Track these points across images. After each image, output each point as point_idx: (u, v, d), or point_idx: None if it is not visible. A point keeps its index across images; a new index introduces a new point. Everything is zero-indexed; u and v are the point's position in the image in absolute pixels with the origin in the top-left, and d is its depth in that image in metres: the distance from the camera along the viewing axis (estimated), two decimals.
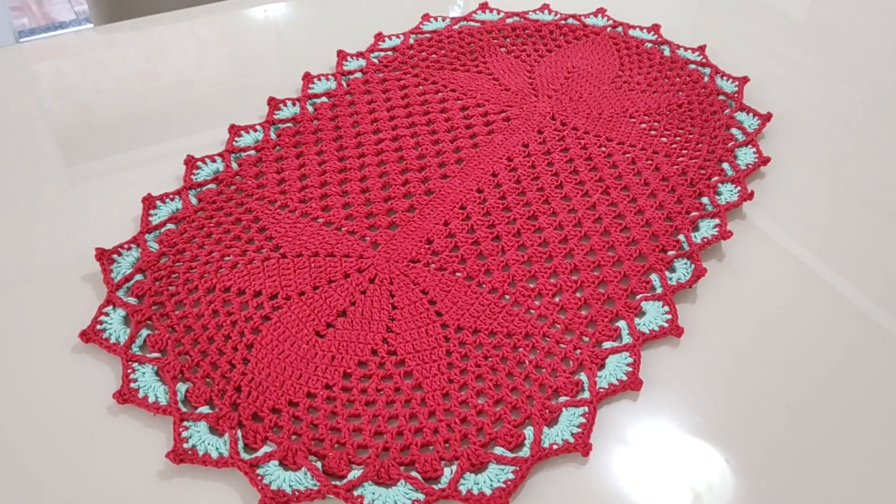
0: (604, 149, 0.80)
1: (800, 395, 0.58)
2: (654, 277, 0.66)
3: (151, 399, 0.54)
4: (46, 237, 0.69)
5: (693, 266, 0.66)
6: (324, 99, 0.85)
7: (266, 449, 0.52)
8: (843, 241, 0.72)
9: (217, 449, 0.51)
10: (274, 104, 0.83)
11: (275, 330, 0.59)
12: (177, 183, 0.73)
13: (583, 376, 0.58)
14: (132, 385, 0.55)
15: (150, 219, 0.68)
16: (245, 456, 0.51)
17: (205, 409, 0.54)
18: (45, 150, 0.80)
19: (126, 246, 0.65)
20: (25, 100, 0.87)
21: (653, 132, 0.83)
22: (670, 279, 0.65)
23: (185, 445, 0.51)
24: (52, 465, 0.51)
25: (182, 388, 0.55)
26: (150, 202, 0.69)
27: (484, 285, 0.64)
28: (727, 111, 0.87)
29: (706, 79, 0.93)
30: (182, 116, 0.86)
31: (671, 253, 0.68)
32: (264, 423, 0.53)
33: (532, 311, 0.62)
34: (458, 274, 0.65)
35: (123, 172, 0.76)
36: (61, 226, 0.70)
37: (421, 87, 0.88)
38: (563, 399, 0.56)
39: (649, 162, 0.79)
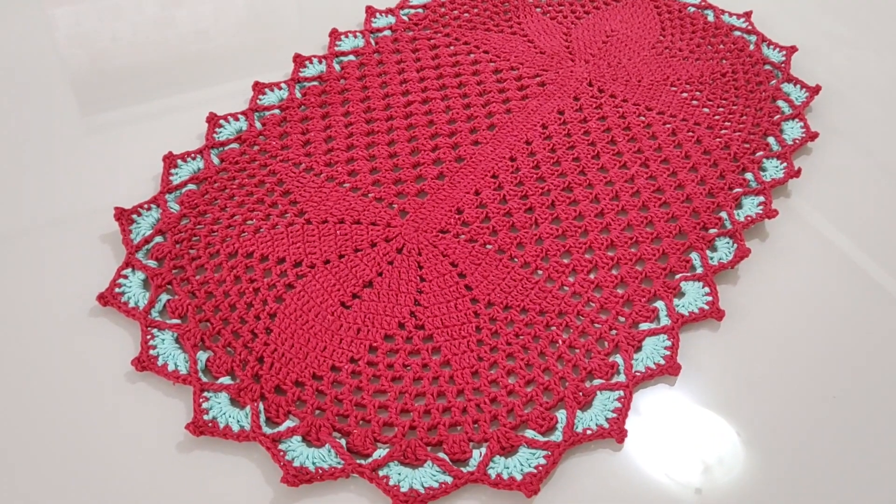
0: (643, 118, 0.77)
1: (843, 387, 0.55)
2: (694, 256, 0.63)
3: (171, 367, 0.52)
4: (62, 189, 0.66)
5: (735, 246, 0.63)
6: (351, 57, 0.82)
7: (289, 423, 0.50)
8: (894, 226, 0.69)
9: (238, 422, 0.50)
10: (299, 61, 0.79)
11: (299, 299, 0.57)
12: (197, 140, 0.71)
13: (618, 358, 0.55)
14: (151, 352, 0.53)
15: (171, 178, 0.66)
16: (267, 430, 0.49)
17: (226, 380, 0.52)
18: (61, 98, 0.77)
19: (146, 206, 0.63)
20: (42, 45, 0.84)
21: (695, 102, 0.80)
22: (711, 259, 0.62)
23: (206, 417, 0.50)
24: (67, 434, 0.50)
25: (203, 356, 0.53)
26: (170, 161, 0.67)
27: (516, 259, 0.61)
28: (773, 82, 0.83)
29: (752, 47, 0.88)
30: (201, 67, 0.83)
31: (713, 231, 0.65)
32: (287, 396, 0.52)
33: (566, 287, 0.60)
34: (488, 246, 0.62)
35: (141, 124, 0.74)
36: (77, 178, 0.68)
37: (452, 48, 0.85)
38: (597, 382, 0.54)
39: (691, 134, 0.75)
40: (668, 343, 0.56)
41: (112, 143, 0.72)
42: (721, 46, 0.88)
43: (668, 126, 0.76)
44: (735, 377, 0.55)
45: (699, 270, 0.61)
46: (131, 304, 0.56)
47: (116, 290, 0.57)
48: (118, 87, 0.79)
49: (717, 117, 0.78)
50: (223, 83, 0.80)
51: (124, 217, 0.62)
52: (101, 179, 0.68)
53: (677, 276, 0.61)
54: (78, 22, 0.89)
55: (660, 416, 0.53)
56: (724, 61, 0.86)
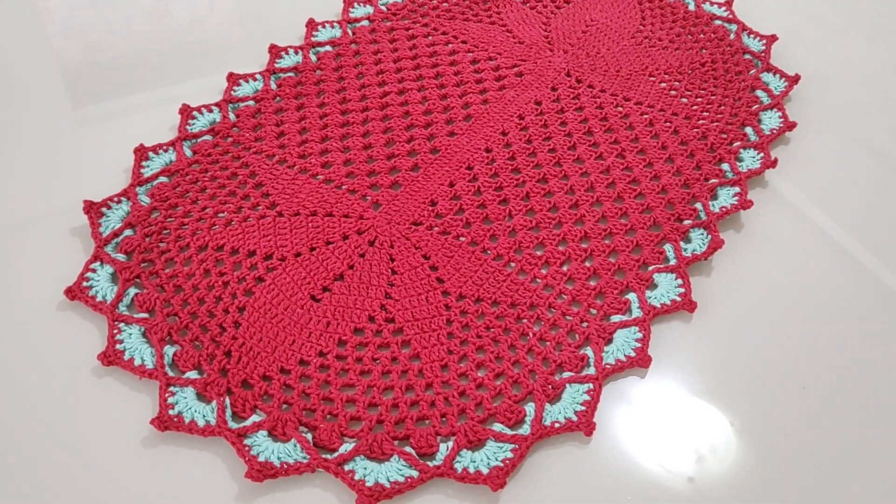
0: (620, 109, 0.76)
1: (817, 378, 0.55)
2: (668, 248, 0.62)
3: (137, 362, 0.52)
4: (33, 183, 0.66)
5: (710, 237, 0.63)
6: (328, 48, 0.81)
7: (255, 418, 0.50)
8: (872, 213, 0.69)
9: (204, 416, 0.49)
10: (275, 52, 0.79)
11: (268, 292, 0.57)
12: (171, 133, 0.70)
13: (589, 351, 0.55)
14: (118, 346, 0.53)
15: (142, 171, 0.65)
16: (233, 425, 0.49)
17: (193, 374, 0.52)
18: (47, 91, 0.76)
19: (116, 199, 0.62)
20: (33, 38, 0.83)
21: (673, 92, 0.79)
22: (685, 250, 0.62)
23: (171, 412, 0.49)
24: (30, 429, 0.49)
25: (170, 351, 0.53)
26: (142, 153, 0.66)
27: (489, 251, 0.61)
28: (753, 71, 0.83)
29: (732, 36, 0.88)
30: (175, 60, 0.82)
31: (687, 222, 0.65)
32: (254, 390, 0.51)
33: (538, 280, 0.59)
34: (461, 238, 0.62)
35: (113, 118, 0.73)
36: (48, 171, 0.67)
37: (430, 38, 0.84)
38: (567, 375, 0.53)
39: (668, 124, 0.74)
40: (640, 335, 0.56)
41: (83, 136, 0.71)
42: (701, 36, 0.88)
43: (645, 116, 0.75)
44: (706, 369, 0.55)
45: (672, 262, 0.61)
46: (99, 299, 0.56)
47: (84, 283, 0.56)
48: (87, 82, 0.78)
49: (695, 107, 0.77)
50: (197, 75, 0.79)
51: (93, 210, 0.61)
52: (72, 173, 0.67)
53: (650, 268, 0.61)
54: (73, 14, 0.88)
55: (629, 409, 0.53)
56: (703, 51, 0.85)
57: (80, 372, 0.52)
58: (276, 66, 0.77)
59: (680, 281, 0.60)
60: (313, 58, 0.79)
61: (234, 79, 0.75)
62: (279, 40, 0.80)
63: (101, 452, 0.48)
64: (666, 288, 0.59)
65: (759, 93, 0.80)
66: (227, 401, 0.50)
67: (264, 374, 0.52)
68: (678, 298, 0.58)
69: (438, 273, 0.59)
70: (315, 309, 0.56)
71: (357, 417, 0.50)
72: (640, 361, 0.54)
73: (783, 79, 0.81)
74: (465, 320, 0.56)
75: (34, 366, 0.53)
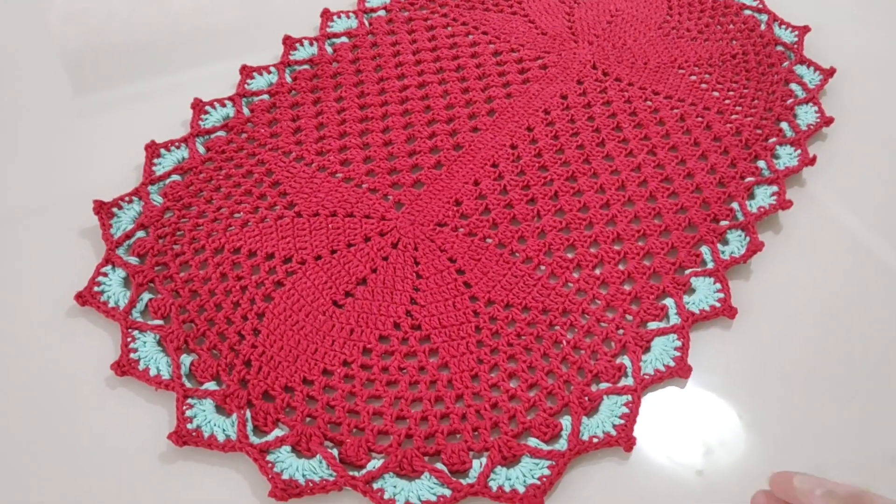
0: (649, 103, 0.73)
1: (865, 386, 0.52)
2: (704, 250, 0.60)
3: (153, 372, 0.50)
4: (41, 180, 0.63)
5: (748, 239, 0.60)
6: (344, 39, 0.78)
7: (277, 432, 0.47)
8: None
9: (224, 431, 0.47)
10: (290, 43, 0.76)
11: (288, 298, 0.54)
12: (183, 128, 0.67)
13: (626, 360, 0.52)
14: (132, 355, 0.50)
15: (154, 168, 0.63)
16: (254, 440, 0.46)
17: (211, 385, 0.49)
18: (48, 79, 0.73)
19: (127, 198, 0.60)
20: (30, 22, 0.80)
21: (704, 85, 0.76)
22: (723, 253, 0.59)
23: (189, 426, 0.47)
24: (41, 444, 0.47)
25: (186, 360, 0.50)
26: (153, 150, 0.63)
27: (517, 254, 0.58)
28: (786, 64, 0.79)
29: (763, 27, 0.85)
30: (186, 49, 0.79)
31: (724, 223, 0.62)
32: (276, 402, 0.49)
33: (570, 284, 0.57)
34: (488, 240, 0.59)
35: (123, 110, 0.70)
36: (56, 167, 0.64)
37: (450, 29, 0.81)
38: (604, 385, 0.51)
39: (700, 119, 0.71)
40: (678, 343, 0.53)
41: (95, 131, 0.68)
42: (731, 26, 0.85)
43: (675, 111, 0.72)
44: (749, 379, 0.53)
45: (710, 265, 0.58)
46: (111, 304, 0.53)
47: (95, 288, 0.54)
48: (97, 70, 0.75)
49: (727, 101, 0.74)
50: (205, 63, 0.76)
51: (104, 210, 0.58)
52: (81, 168, 0.64)
53: (687, 272, 0.58)
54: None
55: (670, 423, 0.50)
56: (734, 42, 0.82)
57: (92, 382, 0.50)
58: (291, 58, 0.74)
59: (719, 285, 0.57)
60: (329, 49, 0.76)
61: (247, 71, 0.72)
62: (290, 28, 0.77)
63: (115, 469, 0.46)
64: (704, 293, 0.56)
65: (793, 86, 0.77)
66: (248, 414, 0.48)
67: (286, 385, 0.50)
68: (717, 304, 0.56)
69: (465, 277, 0.56)
70: (338, 315, 0.53)
71: (385, 431, 0.48)
72: (679, 371, 0.51)
73: (817, 72, 0.78)
74: (495, 327, 0.54)
75: (44, 376, 0.50)
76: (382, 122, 0.69)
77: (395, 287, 0.55)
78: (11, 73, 0.73)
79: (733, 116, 0.72)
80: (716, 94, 0.75)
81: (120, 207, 0.59)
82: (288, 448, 0.46)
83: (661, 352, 0.53)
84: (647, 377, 0.51)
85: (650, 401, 0.51)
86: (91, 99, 0.72)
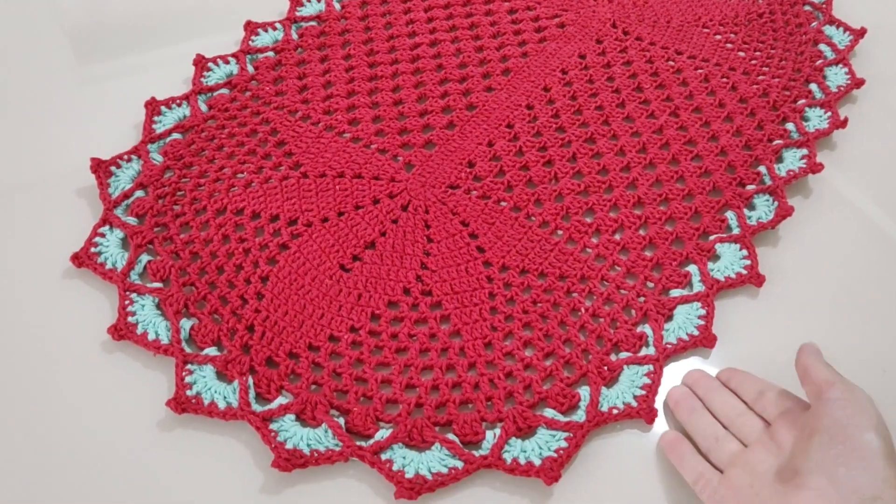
0: (672, 63, 0.70)
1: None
2: (730, 215, 0.57)
3: (151, 336, 0.47)
4: (38, 142, 0.60)
5: (776, 203, 0.57)
6: None
7: (281, 400, 0.45)
8: None
9: (225, 398, 0.45)
10: None
11: (293, 261, 0.52)
12: (185, 86, 0.64)
13: (647, 329, 0.50)
14: (130, 319, 0.48)
15: (154, 126, 0.60)
16: (257, 407, 0.44)
17: (212, 351, 0.47)
18: (49, 46, 0.70)
19: (126, 157, 0.57)
20: None
21: (729, 45, 0.72)
22: (749, 218, 0.56)
23: (189, 392, 0.45)
24: (36, 409, 0.45)
25: (186, 324, 0.48)
26: (153, 107, 0.61)
27: (533, 218, 0.56)
28: (814, 24, 0.76)
29: None
30: (190, 11, 0.76)
31: (751, 187, 0.59)
32: (280, 369, 0.46)
33: (589, 249, 0.54)
34: (503, 203, 0.56)
35: (123, 71, 0.67)
36: (53, 128, 0.61)
37: None
38: (624, 355, 0.48)
39: (725, 80, 0.68)
40: (702, 312, 0.50)
41: (95, 92, 0.66)
42: None
43: (699, 71, 0.69)
44: (776, 350, 0.50)
45: (736, 231, 0.55)
46: (108, 266, 0.51)
47: (92, 249, 0.52)
48: (91, 35, 0.72)
49: (753, 62, 0.71)
50: (211, 26, 0.73)
51: (101, 169, 0.56)
52: (77, 130, 0.62)
53: (711, 238, 0.55)
54: None
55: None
56: (760, 0, 0.78)
57: (88, 347, 0.48)
58: (298, 14, 0.71)
59: (745, 252, 0.54)
60: (337, 5, 0.73)
61: (251, 27, 0.69)
62: None
63: (111, 437, 0.44)
64: (730, 259, 0.54)
65: (822, 47, 0.73)
66: (251, 380, 0.46)
67: (290, 352, 0.47)
68: (744, 271, 0.53)
69: (479, 241, 0.54)
70: (345, 280, 0.51)
71: (393, 400, 0.46)
72: (704, 341, 0.49)
73: (847, 32, 0.75)
74: (510, 294, 0.51)
75: (39, 340, 0.48)
76: (392, 81, 0.65)
77: (405, 251, 0.53)
78: (11, 39, 0.70)
79: (760, 77, 0.69)
80: (741, 54, 0.72)
81: (118, 166, 0.57)
82: (292, 416, 0.44)
83: (684, 320, 0.50)
84: (669, 347, 0.49)
85: (673, 371, 0.48)
86: (92, 64, 0.69)
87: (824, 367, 0.41)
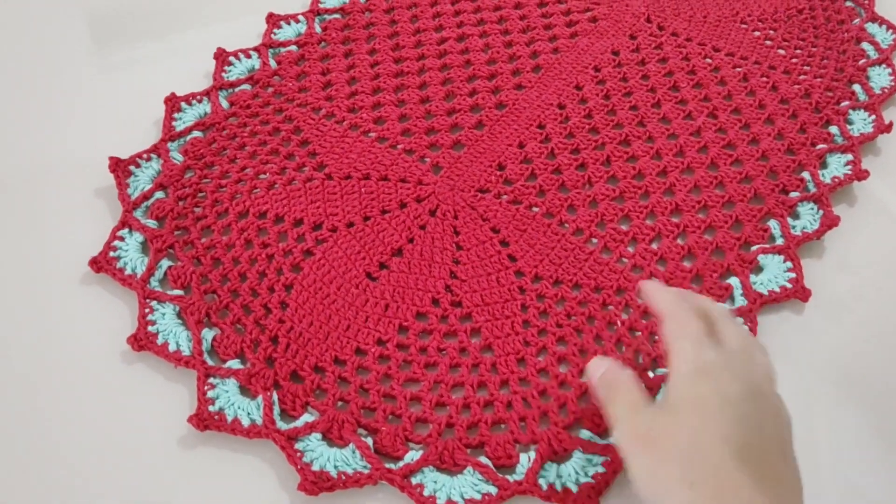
0: (710, 60, 0.67)
1: None
2: (773, 224, 0.54)
3: (172, 347, 0.46)
4: (52, 138, 0.58)
5: (821, 212, 0.55)
6: None
7: (307, 417, 0.43)
8: None
9: (248, 414, 0.43)
10: None
11: (318, 268, 0.50)
12: (206, 81, 0.62)
13: None
14: (150, 328, 0.46)
15: (174, 124, 0.58)
16: (282, 425, 0.43)
17: (235, 364, 0.45)
18: (65, 34, 0.68)
19: (145, 156, 0.55)
20: None
21: (768, 42, 0.70)
22: (793, 228, 0.54)
23: (211, 408, 0.43)
24: (52, 424, 0.43)
25: (208, 335, 0.46)
26: (173, 104, 0.59)
27: (567, 225, 0.53)
28: (856, 21, 0.73)
29: None
30: (215, 4, 0.73)
31: (794, 194, 0.56)
32: (305, 384, 0.45)
33: (625, 259, 0.52)
34: (535, 209, 0.54)
35: (141, 64, 0.65)
36: (69, 126, 0.60)
37: None
38: (662, 372, 0.46)
39: (765, 79, 0.65)
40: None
41: (105, 84, 0.64)
42: None
43: (738, 70, 0.66)
44: (824, 371, 0.48)
45: (779, 241, 0.53)
46: (128, 271, 0.49)
47: (111, 254, 0.50)
48: (108, 23, 0.70)
49: (794, 60, 0.68)
50: (231, 16, 0.71)
51: (121, 168, 0.54)
52: (94, 126, 0.60)
53: (754, 248, 0.53)
54: None
55: None
56: None
57: (108, 357, 0.46)
58: (321, 6, 0.69)
59: (789, 264, 0.52)
60: None
61: (274, 20, 0.67)
62: None
63: (130, 454, 0.42)
64: (773, 272, 0.51)
65: (865, 45, 0.70)
66: (275, 396, 0.44)
67: (316, 365, 0.46)
68: (788, 285, 0.51)
69: (510, 249, 0.52)
70: (371, 289, 0.49)
71: (423, 419, 0.44)
72: None
73: (890, 30, 0.71)
74: (543, 306, 0.49)
75: (56, 350, 0.46)
76: (419, 78, 0.63)
77: (434, 259, 0.51)
78: (28, 27, 0.68)
79: (801, 77, 0.66)
80: (781, 52, 0.69)
81: (138, 166, 0.55)
82: (318, 435, 0.42)
83: None
84: None
85: None
86: (109, 54, 0.67)
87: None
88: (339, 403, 0.44)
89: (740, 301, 0.50)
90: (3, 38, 0.66)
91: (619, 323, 0.48)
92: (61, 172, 0.56)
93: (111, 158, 0.54)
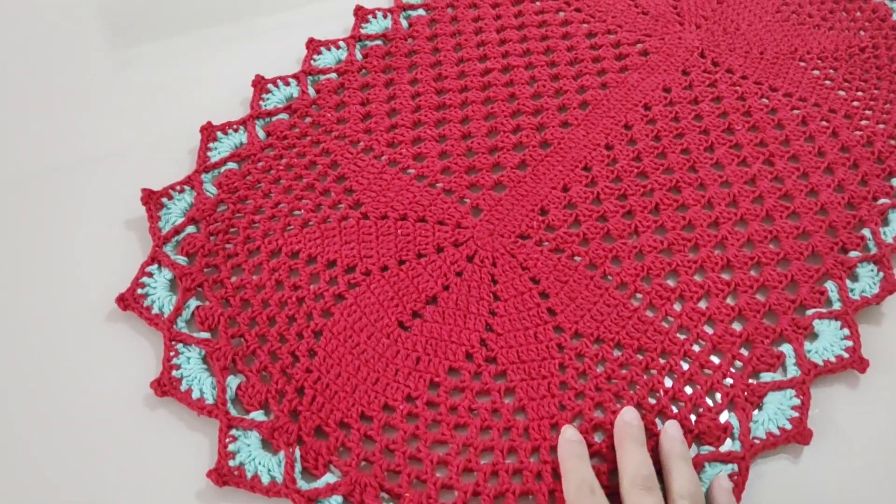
0: (766, 101, 0.64)
1: None
2: (830, 286, 0.51)
3: (196, 394, 0.44)
4: (89, 164, 0.58)
5: (881, 275, 0.51)
6: (421, 11, 0.70)
7: (329, 478, 0.41)
8: None
9: (269, 471, 0.41)
10: (362, 14, 0.68)
11: (349, 315, 0.48)
12: (242, 108, 0.61)
13: (733, 419, 0.45)
14: (174, 373, 0.45)
15: (209, 154, 0.57)
16: (303, 485, 0.41)
17: (258, 415, 0.44)
18: (86, 38, 0.68)
19: (178, 188, 0.54)
20: None
21: (828, 82, 0.66)
22: (852, 291, 0.51)
23: (231, 462, 0.42)
24: (70, 467, 0.42)
25: (233, 382, 0.45)
26: (209, 133, 0.57)
27: (610, 277, 0.51)
28: None
29: (895, 17, 0.74)
30: (254, 17, 0.72)
31: (854, 254, 0.53)
32: (329, 441, 0.43)
33: (671, 319, 0.49)
34: (577, 259, 0.52)
35: (172, 80, 0.64)
36: (107, 150, 0.59)
37: (538, 3, 0.72)
38: (706, 450, 0.44)
39: (825, 123, 0.62)
40: (797, 401, 0.45)
41: (144, 108, 0.62)
42: (858, 14, 0.74)
43: (797, 112, 0.63)
44: (882, 447, 0.45)
45: (837, 306, 0.50)
46: (155, 310, 0.48)
47: (139, 291, 0.49)
48: (150, 25, 0.69)
49: (855, 103, 0.64)
50: (273, 40, 0.69)
51: (153, 201, 0.53)
52: (129, 147, 0.59)
53: (810, 312, 0.50)
54: None
55: (783, 498, 0.43)
56: (862, 33, 0.72)
57: (130, 402, 0.45)
58: (363, 31, 0.67)
59: (847, 331, 0.48)
60: (404, 23, 0.69)
61: (314, 46, 0.65)
62: (363, 0, 0.70)
63: (148, 502, 0.41)
64: (829, 340, 0.48)
65: None
66: (297, 453, 0.42)
67: (342, 421, 0.44)
68: (845, 354, 0.47)
69: (550, 302, 0.49)
70: (403, 339, 0.47)
71: (449, 486, 0.42)
72: (797, 436, 0.44)
73: None
74: (582, 366, 0.47)
75: (77, 391, 0.45)
76: (461, 112, 0.61)
77: (469, 309, 0.49)
78: (46, 33, 0.68)
79: (863, 122, 0.63)
80: (842, 93, 0.65)
81: (170, 198, 0.54)
82: (339, 499, 0.41)
83: (775, 411, 0.45)
84: (757, 441, 0.44)
85: (759, 470, 0.43)
86: (151, 79, 0.66)
87: None
88: (363, 464, 0.42)
89: (793, 371, 0.47)
90: (36, 74, 0.65)
91: (661, 391, 0.46)
92: (93, 201, 0.55)
93: (143, 190, 0.53)
